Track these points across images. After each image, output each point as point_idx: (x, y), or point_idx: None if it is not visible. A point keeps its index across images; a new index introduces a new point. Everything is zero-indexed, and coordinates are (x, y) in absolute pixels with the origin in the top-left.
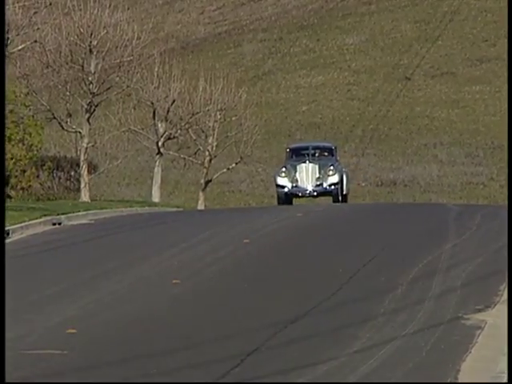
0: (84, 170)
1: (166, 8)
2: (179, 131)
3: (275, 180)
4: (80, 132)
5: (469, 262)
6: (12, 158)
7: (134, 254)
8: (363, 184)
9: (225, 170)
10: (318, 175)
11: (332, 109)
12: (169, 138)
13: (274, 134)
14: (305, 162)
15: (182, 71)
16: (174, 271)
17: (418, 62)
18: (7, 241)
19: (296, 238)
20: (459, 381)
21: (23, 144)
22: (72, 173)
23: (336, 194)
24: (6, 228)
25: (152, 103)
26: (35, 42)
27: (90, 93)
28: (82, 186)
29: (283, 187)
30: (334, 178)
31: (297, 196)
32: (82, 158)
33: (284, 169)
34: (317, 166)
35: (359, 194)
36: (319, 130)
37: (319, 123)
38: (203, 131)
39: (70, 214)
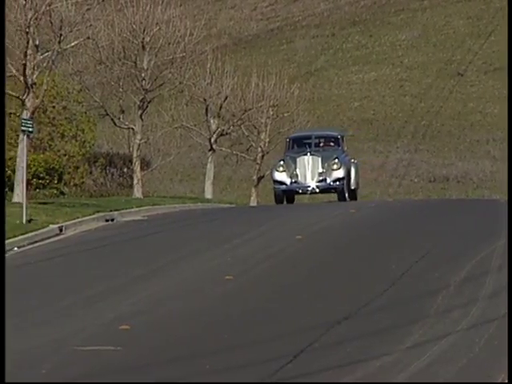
0: (137, 167)
1: (218, 4)
2: (232, 127)
3: (272, 175)
4: (133, 128)
5: None
6: (65, 155)
7: (187, 250)
8: (416, 180)
9: None
10: (320, 169)
11: (384, 105)
12: (221, 135)
13: None
14: (306, 155)
15: (235, 67)
16: (227, 267)
17: (470, 58)
18: (61, 237)
19: (348, 234)
20: None
21: (76, 140)
22: (125, 169)
23: (342, 191)
24: (60, 224)
25: (204, 99)
26: (88, 38)
27: (143, 89)
28: (135, 182)
29: (281, 183)
30: (339, 173)
31: (297, 193)
32: (134, 154)
33: (282, 162)
34: (319, 159)
35: (412, 190)
36: (371, 126)
37: (371, 119)
38: (255, 127)
39: (122, 211)
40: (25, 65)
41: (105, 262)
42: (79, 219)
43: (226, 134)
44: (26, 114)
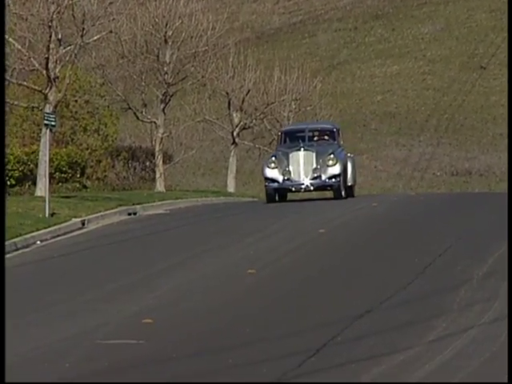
0: (159, 160)
1: None
2: (254, 121)
3: (263, 172)
4: (155, 122)
5: None
6: (87, 149)
7: (209, 244)
8: (438, 173)
9: None
10: (314, 165)
11: (407, 98)
12: (244, 128)
13: (348, 123)
14: (299, 150)
15: (257, 61)
16: (250, 261)
17: (493, 51)
18: (83, 230)
19: (371, 228)
20: None
21: (98, 134)
22: (147, 163)
23: (338, 188)
24: (82, 218)
25: (227, 93)
26: (110, 32)
27: (165, 83)
28: (157, 176)
29: (273, 181)
30: (335, 169)
31: (290, 191)
32: (157, 148)
33: (273, 158)
34: (314, 154)
35: (435, 184)
36: (394, 120)
37: (394, 113)
38: (278, 121)
39: (145, 204)
40: (47, 59)
41: (127, 255)
42: (101, 213)
43: (249, 127)
44: (48, 108)
